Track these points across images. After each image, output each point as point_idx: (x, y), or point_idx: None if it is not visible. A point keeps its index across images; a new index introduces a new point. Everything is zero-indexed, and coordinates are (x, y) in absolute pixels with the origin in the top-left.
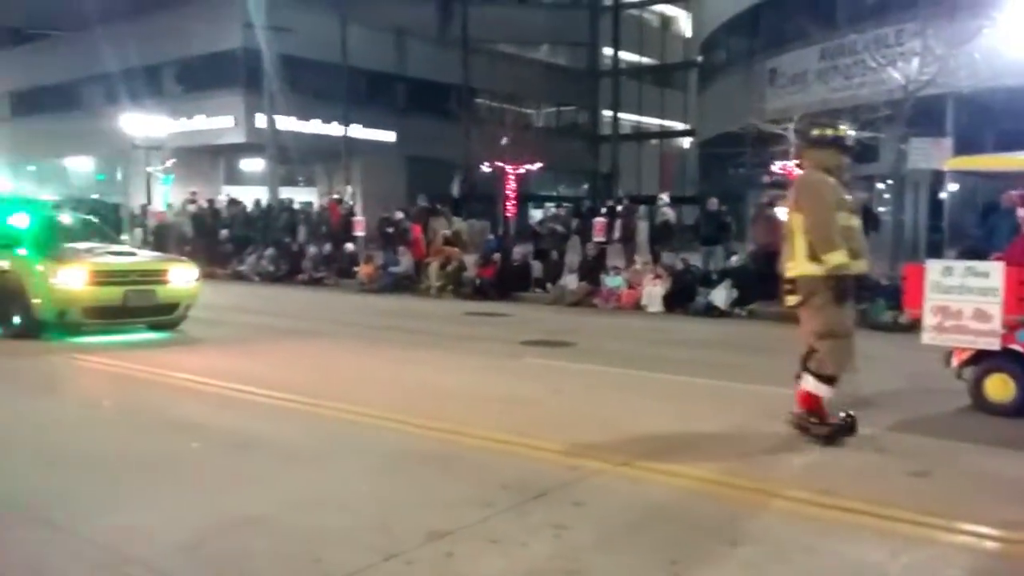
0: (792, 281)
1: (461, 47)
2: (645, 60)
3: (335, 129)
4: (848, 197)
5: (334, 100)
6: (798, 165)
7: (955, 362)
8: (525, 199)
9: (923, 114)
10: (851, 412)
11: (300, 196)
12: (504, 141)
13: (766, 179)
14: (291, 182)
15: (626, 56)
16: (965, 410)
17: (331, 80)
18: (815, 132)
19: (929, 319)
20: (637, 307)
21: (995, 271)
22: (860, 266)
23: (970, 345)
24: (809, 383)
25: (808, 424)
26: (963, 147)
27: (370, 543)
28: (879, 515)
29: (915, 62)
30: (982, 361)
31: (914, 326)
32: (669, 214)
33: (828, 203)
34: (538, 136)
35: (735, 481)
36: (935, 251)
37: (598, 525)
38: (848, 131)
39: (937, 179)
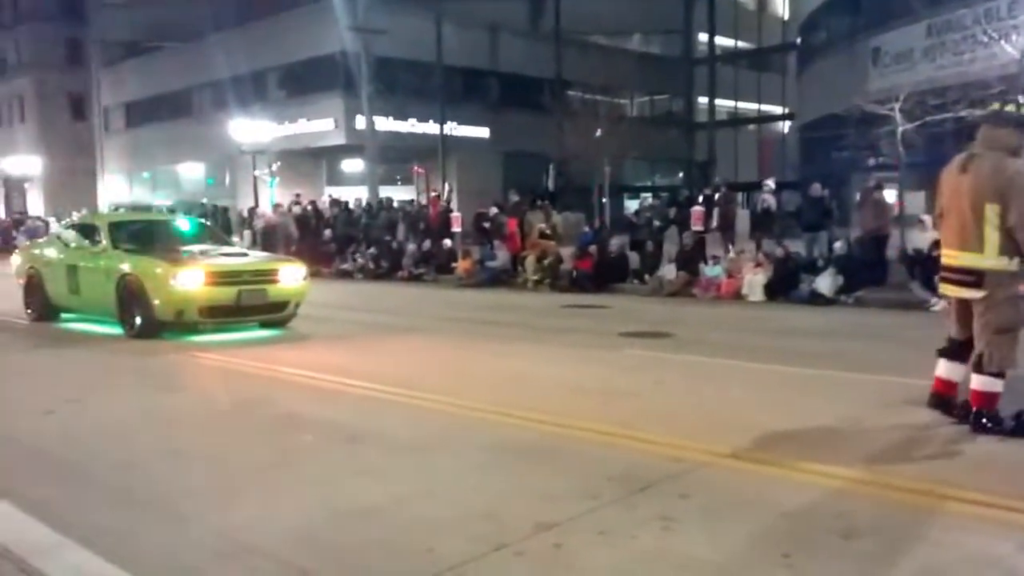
0: (976, 273)
1: (553, 40)
2: (741, 44)
3: (431, 127)
4: None
5: (429, 99)
6: (969, 154)
7: None
8: (621, 190)
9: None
10: None
11: (399, 195)
12: (598, 133)
13: (872, 162)
14: (390, 181)
15: (721, 41)
16: None
17: (426, 79)
18: (994, 109)
19: None
20: (737, 296)
21: None
22: None
23: None
24: (980, 380)
25: (982, 423)
26: None
27: (480, 533)
28: (1003, 507)
29: None
30: None
31: None
32: (770, 200)
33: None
34: (632, 126)
35: (847, 473)
36: None
37: (706, 518)
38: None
39: None
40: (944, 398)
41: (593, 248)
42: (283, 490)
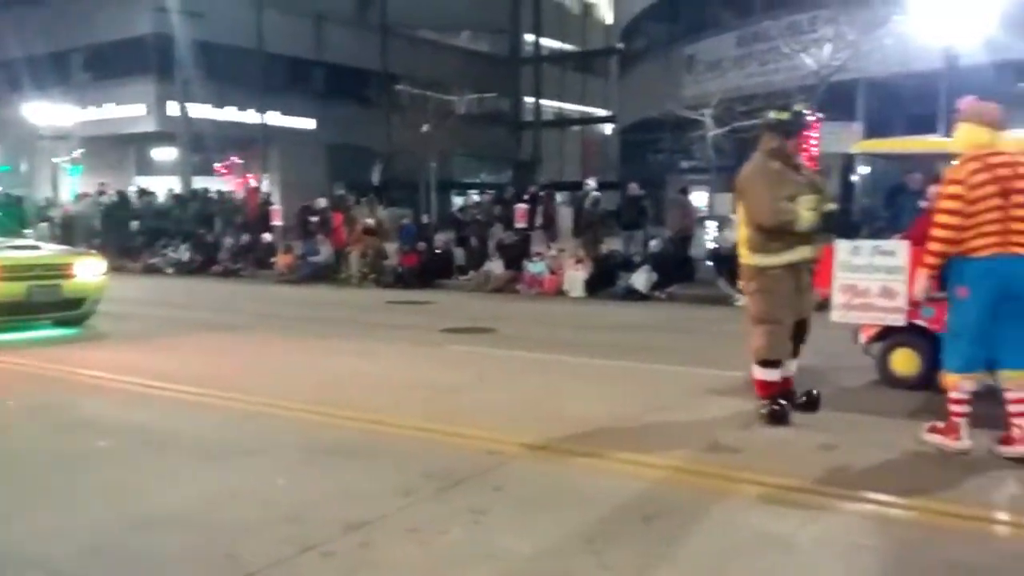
0: (742, 267)
1: (381, 32)
2: (567, 47)
3: (252, 117)
4: (802, 180)
5: (251, 87)
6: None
7: (863, 338)
8: (448, 186)
9: (836, 99)
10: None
11: (217, 186)
12: (425, 128)
13: (685, 164)
14: (208, 171)
15: (548, 43)
16: (872, 384)
17: (247, 66)
18: (769, 115)
19: (838, 297)
20: (559, 293)
21: (900, 250)
22: (803, 253)
23: (877, 322)
24: (753, 370)
25: (765, 410)
26: (874, 131)
27: (286, 536)
28: (789, 487)
29: (828, 48)
30: (888, 337)
31: (824, 305)
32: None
33: (766, 195)
34: (460, 123)
35: (652, 460)
36: (849, 232)
37: (517, 509)
38: (798, 111)
39: (848, 162)
40: (788, 391)
41: (419, 244)
42: (70, 499)
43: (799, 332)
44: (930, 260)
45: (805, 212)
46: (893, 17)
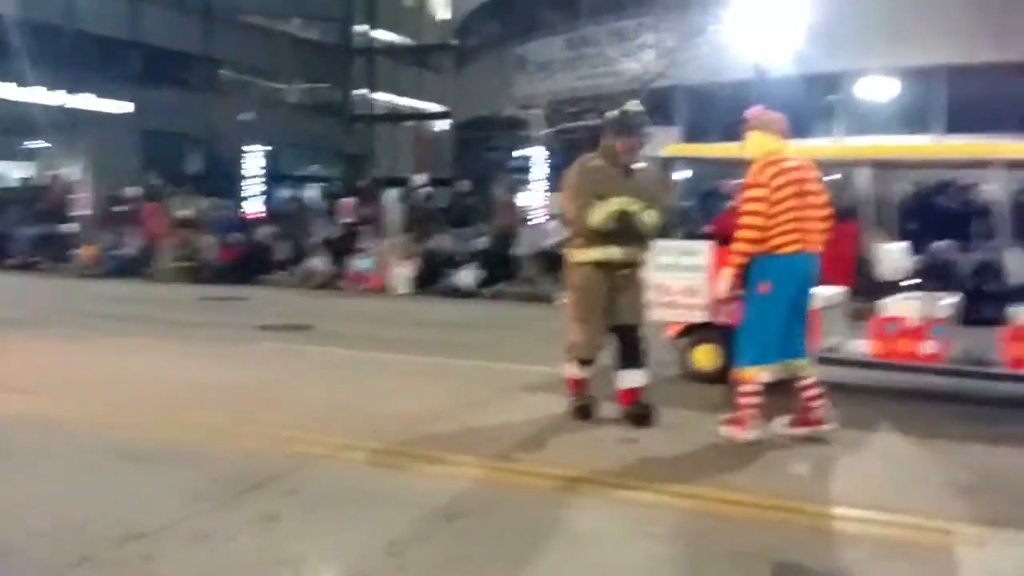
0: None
1: (203, 15)
2: (401, 40)
3: (62, 98)
4: (626, 182)
5: (61, 66)
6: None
7: (669, 335)
8: (273, 178)
9: (658, 105)
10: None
11: (18, 172)
12: (249, 116)
13: (513, 164)
14: (9, 156)
15: (382, 35)
16: (676, 379)
17: (57, 45)
18: (607, 114)
19: (651, 296)
20: (386, 289)
21: (702, 250)
22: (610, 253)
23: (681, 319)
24: (566, 366)
25: (572, 405)
26: (692, 136)
27: (61, 548)
28: (590, 480)
29: (650, 55)
30: (691, 333)
31: None
32: (423, 195)
33: (573, 190)
34: (288, 113)
35: (461, 458)
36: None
37: (315, 513)
38: (629, 112)
39: (666, 166)
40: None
41: (237, 237)
42: None
43: (626, 339)
44: (737, 259)
45: (598, 212)
46: (709, 27)
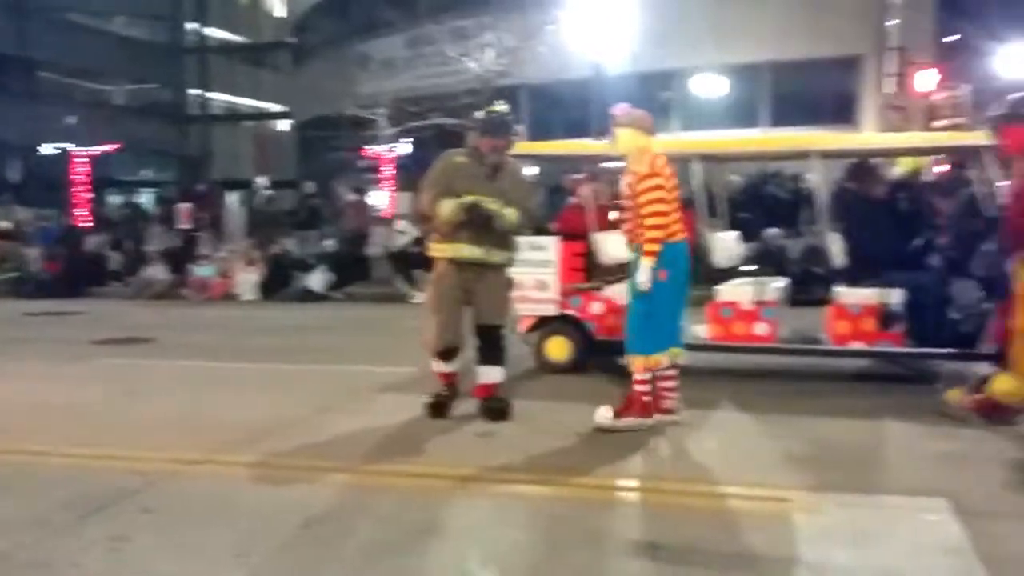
0: None
1: (17, 12)
2: (236, 38)
3: None
4: (488, 181)
5: None
6: None
7: (521, 328)
8: (103, 184)
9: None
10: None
11: None
12: (74, 120)
13: (359, 164)
14: None
15: (215, 33)
16: (531, 372)
17: None
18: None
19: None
20: (231, 296)
21: (551, 245)
22: (460, 251)
23: (533, 312)
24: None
25: (427, 401)
26: (538, 134)
27: None
28: (447, 476)
29: (490, 54)
30: (543, 326)
31: None
32: (265, 197)
33: (429, 182)
34: (117, 115)
35: (314, 463)
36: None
37: (164, 530)
38: (494, 112)
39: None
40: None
41: (62, 248)
42: None
43: (485, 338)
44: (653, 248)
45: (447, 204)
46: (547, 27)
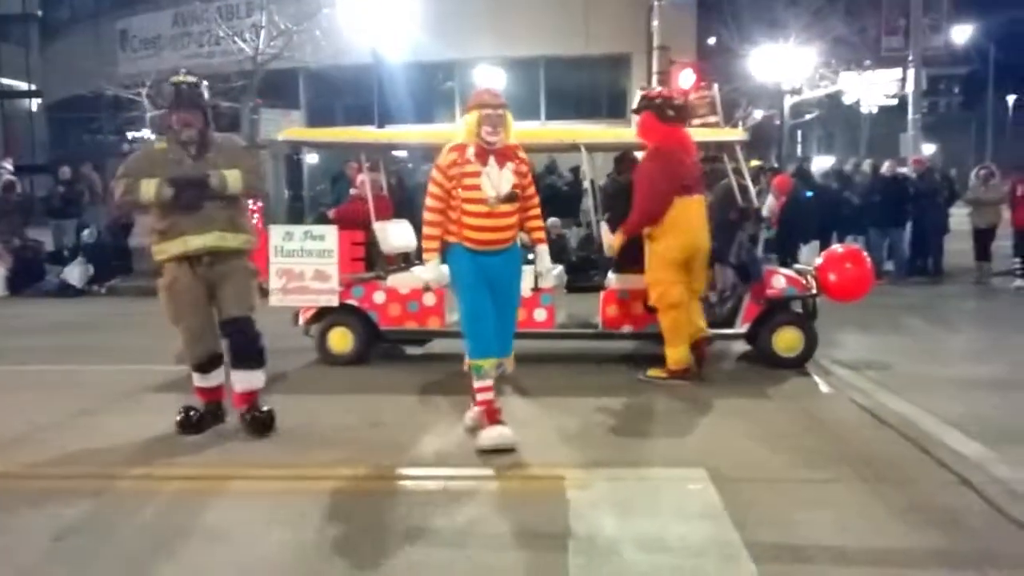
0: None
1: None
2: None
3: None
4: (187, 162)
5: None
6: None
7: (302, 320)
8: None
9: (278, 86)
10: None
11: None
12: None
13: (125, 147)
14: None
15: None
16: (314, 364)
17: None
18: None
19: (275, 282)
20: None
21: (330, 234)
22: (189, 244)
23: (313, 304)
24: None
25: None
26: (317, 119)
27: None
28: (216, 477)
29: (263, 35)
30: (324, 318)
31: (265, 290)
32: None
33: (121, 172)
34: None
35: (66, 471)
36: (297, 219)
37: None
38: (179, 80)
39: (295, 150)
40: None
41: None
42: None
43: (235, 336)
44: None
45: (146, 184)
46: (322, 11)
